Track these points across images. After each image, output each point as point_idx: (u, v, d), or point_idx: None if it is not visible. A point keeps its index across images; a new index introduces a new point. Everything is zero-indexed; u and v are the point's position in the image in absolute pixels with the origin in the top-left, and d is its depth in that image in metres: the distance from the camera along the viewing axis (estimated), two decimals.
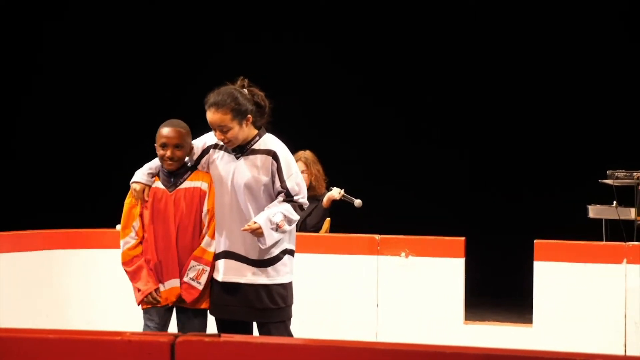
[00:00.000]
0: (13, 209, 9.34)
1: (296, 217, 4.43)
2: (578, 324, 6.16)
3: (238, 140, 4.43)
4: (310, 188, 6.87)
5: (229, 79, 4.54)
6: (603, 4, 9.26)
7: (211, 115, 4.39)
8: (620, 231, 6.95)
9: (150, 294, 4.50)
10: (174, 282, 4.49)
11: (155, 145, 4.51)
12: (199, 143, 4.58)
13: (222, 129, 4.39)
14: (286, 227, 4.39)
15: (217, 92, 4.43)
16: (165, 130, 4.47)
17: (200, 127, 4.60)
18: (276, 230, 4.34)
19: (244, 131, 4.44)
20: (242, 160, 4.47)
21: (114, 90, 9.95)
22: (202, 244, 4.49)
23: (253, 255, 4.43)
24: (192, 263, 4.48)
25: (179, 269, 4.49)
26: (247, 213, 4.41)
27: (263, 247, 4.37)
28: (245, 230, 4.32)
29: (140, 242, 4.55)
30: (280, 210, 4.37)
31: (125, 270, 4.56)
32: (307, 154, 6.89)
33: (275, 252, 4.45)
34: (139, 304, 4.56)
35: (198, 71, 9.27)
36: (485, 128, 9.66)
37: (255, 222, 4.32)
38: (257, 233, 4.31)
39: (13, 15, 9.96)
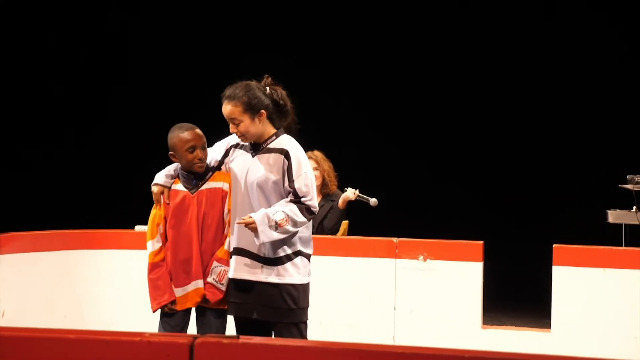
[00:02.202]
0: (32, 209, 9.38)
1: (302, 218, 4.39)
2: (597, 329, 6.13)
3: (250, 134, 4.46)
4: (323, 185, 6.91)
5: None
6: (621, 7, 9.22)
7: (224, 107, 4.47)
8: None
9: (166, 305, 4.54)
10: (199, 283, 4.52)
11: (171, 154, 4.55)
12: (222, 144, 4.65)
13: (233, 121, 4.45)
14: (289, 227, 4.36)
15: (233, 86, 4.50)
16: (188, 135, 4.51)
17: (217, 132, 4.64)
18: (276, 229, 4.33)
19: (257, 126, 4.46)
20: (256, 158, 4.51)
21: (137, 91, 9.99)
22: (225, 246, 4.52)
23: (263, 254, 4.44)
24: (215, 264, 4.51)
25: (202, 269, 4.52)
26: (256, 211, 4.43)
27: (258, 243, 4.36)
28: (239, 223, 4.37)
29: (164, 245, 4.59)
30: (283, 209, 4.37)
31: (148, 276, 4.59)
32: (315, 153, 6.92)
33: (286, 251, 4.45)
34: (154, 311, 4.60)
35: (218, 76, 9.29)
36: (504, 131, 9.63)
37: (250, 217, 4.34)
38: (251, 228, 4.32)
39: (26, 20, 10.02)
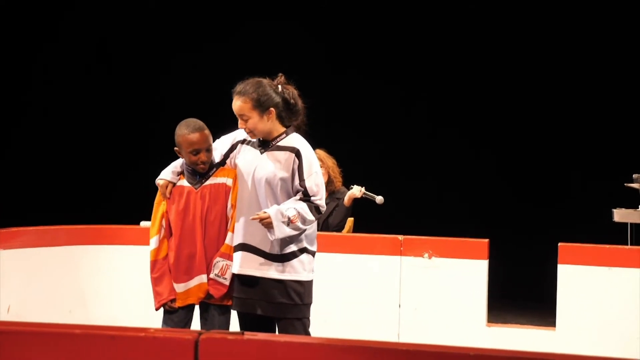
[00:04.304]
0: (37, 204, 9.40)
1: (311, 217, 4.43)
2: (602, 328, 6.12)
3: (258, 130, 4.48)
4: (328, 182, 6.91)
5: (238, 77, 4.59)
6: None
7: (234, 103, 4.50)
8: None
9: (166, 303, 4.55)
10: (202, 278, 4.52)
11: (176, 149, 4.56)
12: (229, 138, 4.67)
13: (242, 117, 4.48)
14: (299, 224, 4.39)
15: (244, 82, 4.53)
16: (194, 137, 4.50)
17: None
18: (288, 224, 4.36)
19: (265, 123, 4.48)
20: (265, 155, 4.52)
21: (143, 83, 10.00)
22: (226, 241, 4.53)
23: (270, 250, 4.46)
24: (217, 259, 4.51)
25: (206, 265, 4.53)
26: (265, 207, 4.45)
27: (272, 239, 4.38)
28: (254, 219, 4.38)
29: (167, 241, 4.59)
30: (294, 206, 4.40)
31: (150, 274, 4.60)
32: (318, 151, 6.91)
33: (292, 248, 4.47)
34: (157, 309, 4.62)
35: (215, 67, 9.30)
36: (511, 130, 9.62)
37: (265, 212, 4.36)
38: (266, 223, 4.34)
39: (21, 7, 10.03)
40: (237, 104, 4.48)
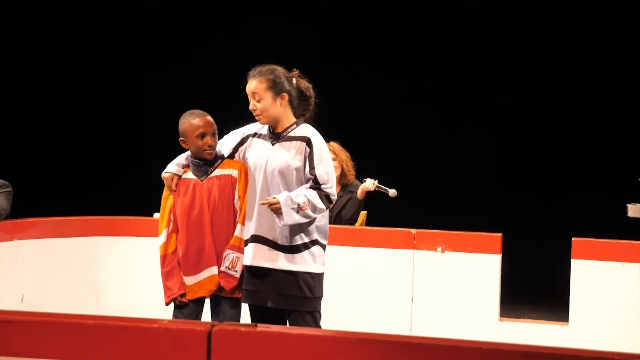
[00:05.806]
0: (52, 194, 9.42)
1: (321, 205, 4.42)
2: (615, 323, 6.11)
3: (268, 113, 4.49)
4: (342, 176, 6.90)
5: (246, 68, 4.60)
6: None
7: (249, 84, 4.52)
8: None
9: (176, 297, 4.56)
10: (213, 270, 4.53)
11: (181, 140, 4.57)
12: (238, 133, 4.68)
13: (255, 97, 4.49)
14: (309, 212, 4.38)
15: (260, 66, 4.56)
16: (199, 121, 4.54)
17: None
18: (297, 211, 4.36)
19: (277, 108, 4.49)
20: (277, 146, 4.53)
21: (150, 75, 10.01)
22: (236, 233, 4.53)
23: (281, 241, 4.47)
24: (227, 251, 4.52)
25: (216, 256, 4.53)
26: None
27: (281, 225, 4.38)
28: (263, 204, 4.38)
29: (176, 235, 4.60)
30: (305, 193, 4.40)
31: (160, 268, 4.61)
32: (332, 143, 6.91)
33: (304, 239, 4.48)
34: (167, 304, 4.63)
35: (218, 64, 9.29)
36: (525, 125, 9.59)
37: (274, 197, 4.36)
38: (275, 208, 4.34)
39: None
40: (253, 83, 4.50)
